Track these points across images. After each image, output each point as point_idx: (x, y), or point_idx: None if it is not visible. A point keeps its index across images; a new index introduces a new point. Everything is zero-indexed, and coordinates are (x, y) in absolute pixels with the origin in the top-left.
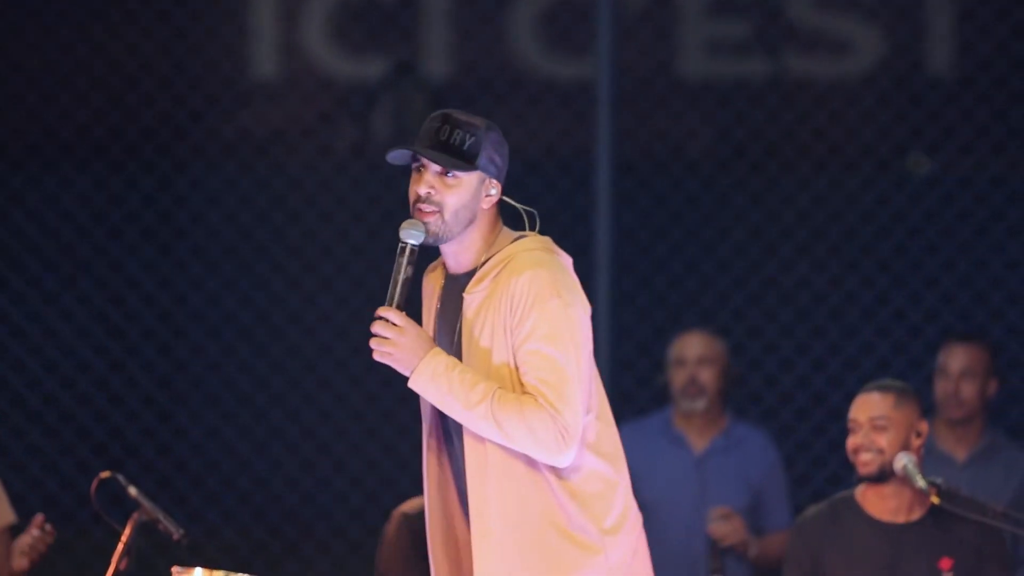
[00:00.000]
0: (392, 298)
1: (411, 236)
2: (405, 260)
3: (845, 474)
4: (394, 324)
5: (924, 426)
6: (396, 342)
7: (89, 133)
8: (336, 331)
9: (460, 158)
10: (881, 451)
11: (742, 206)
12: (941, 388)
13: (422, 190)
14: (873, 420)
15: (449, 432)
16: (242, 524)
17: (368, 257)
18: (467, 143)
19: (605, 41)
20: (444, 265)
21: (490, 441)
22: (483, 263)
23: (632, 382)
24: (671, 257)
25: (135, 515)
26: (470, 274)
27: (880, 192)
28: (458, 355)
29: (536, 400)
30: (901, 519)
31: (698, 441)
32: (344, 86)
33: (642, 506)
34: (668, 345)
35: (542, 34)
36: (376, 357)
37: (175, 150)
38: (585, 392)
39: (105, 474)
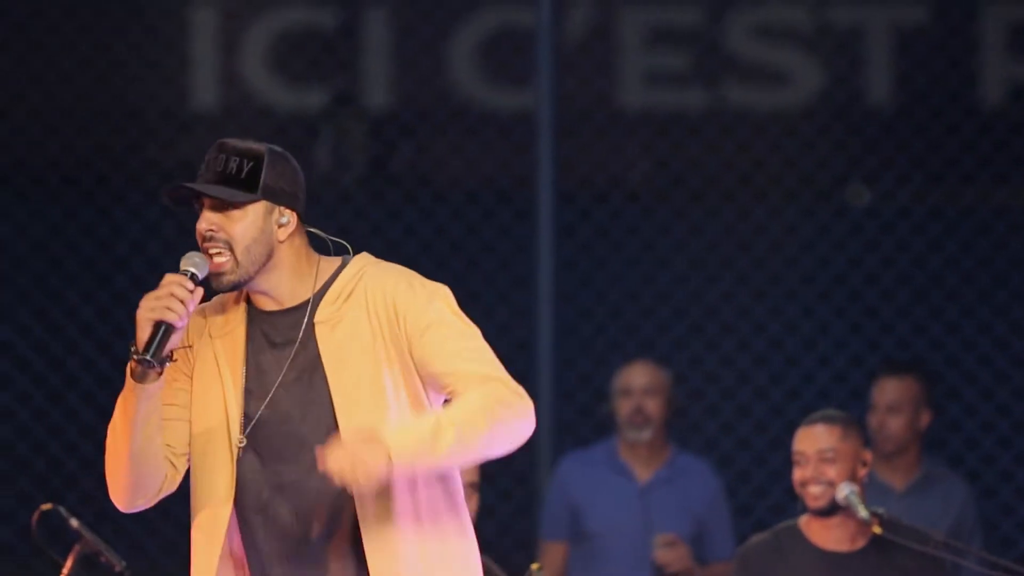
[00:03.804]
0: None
1: (193, 265)
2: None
3: (787, 503)
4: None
5: (869, 455)
6: (354, 449)
7: (28, 163)
8: None
9: (238, 187)
10: (831, 483)
11: (682, 236)
12: (871, 421)
13: (203, 227)
14: (821, 453)
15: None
16: (183, 555)
17: None
18: (244, 170)
19: (545, 72)
20: (246, 307)
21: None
22: (324, 287)
23: (574, 412)
24: (612, 287)
25: (77, 547)
26: (302, 306)
27: (819, 222)
28: (323, 387)
29: (478, 386)
30: (844, 548)
31: (642, 471)
32: (284, 116)
33: (587, 536)
34: (613, 375)
35: (482, 65)
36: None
37: (114, 180)
38: None
39: (46, 506)
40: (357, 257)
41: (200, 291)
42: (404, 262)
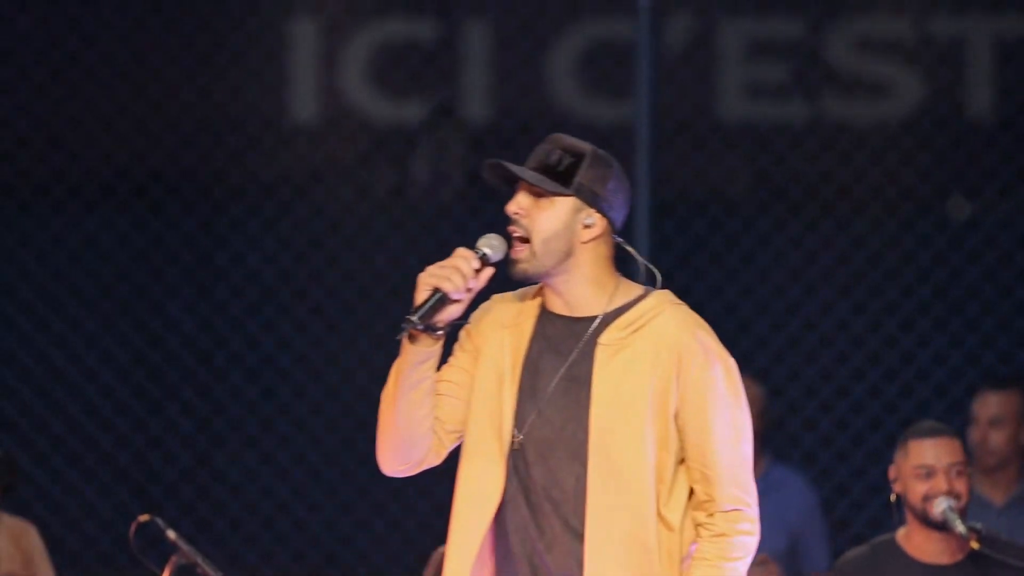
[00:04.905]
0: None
1: (488, 246)
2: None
3: (885, 517)
4: None
5: (969, 468)
6: None
7: (129, 174)
8: (374, 374)
9: (554, 179)
10: (960, 497)
11: (781, 248)
12: (972, 436)
13: (512, 208)
14: (952, 467)
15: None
16: (281, 567)
17: (407, 299)
18: (563, 164)
19: (644, 84)
20: (540, 305)
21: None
22: (618, 310)
23: None
24: (710, 299)
25: (174, 558)
26: (589, 320)
27: (919, 235)
28: (586, 406)
29: (724, 522)
30: (943, 561)
31: None
32: (383, 128)
33: None
34: None
35: (581, 77)
36: None
37: (215, 192)
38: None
39: (144, 517)
40: (659, 292)
41: (488, 272)
42: (500, 276)
